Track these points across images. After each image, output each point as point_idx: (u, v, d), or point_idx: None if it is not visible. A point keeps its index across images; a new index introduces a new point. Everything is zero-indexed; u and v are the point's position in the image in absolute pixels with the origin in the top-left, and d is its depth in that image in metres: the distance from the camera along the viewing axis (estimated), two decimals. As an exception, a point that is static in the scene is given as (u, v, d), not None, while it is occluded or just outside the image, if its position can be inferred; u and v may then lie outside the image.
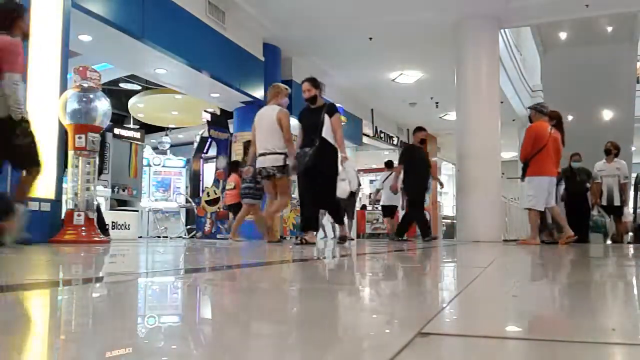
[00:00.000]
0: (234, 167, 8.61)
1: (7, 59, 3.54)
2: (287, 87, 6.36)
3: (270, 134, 5.71)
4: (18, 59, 3.64)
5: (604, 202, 8.26)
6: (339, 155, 5.41)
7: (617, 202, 8.29)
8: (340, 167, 5.39)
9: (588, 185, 8.35)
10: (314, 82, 5.65)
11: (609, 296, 1.36)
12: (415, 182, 7.92)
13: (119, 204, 10.36)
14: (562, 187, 8.62)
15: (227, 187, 8.89)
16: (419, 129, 8.27)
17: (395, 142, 16.41)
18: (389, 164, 11.96)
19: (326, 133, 5.35)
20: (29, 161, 3.77)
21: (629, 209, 8.59)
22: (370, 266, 2.53)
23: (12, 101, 3.55)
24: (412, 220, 8.26)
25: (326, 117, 5.41)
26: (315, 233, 5.65)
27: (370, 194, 17.91)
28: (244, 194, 7.53)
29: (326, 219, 11.45)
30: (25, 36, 3.92)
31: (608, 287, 1.63)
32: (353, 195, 10.95)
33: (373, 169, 17.19)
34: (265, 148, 5.69)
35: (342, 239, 5.75)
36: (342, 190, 5.38)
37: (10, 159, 3.82)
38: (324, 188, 5.33)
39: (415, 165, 7.99)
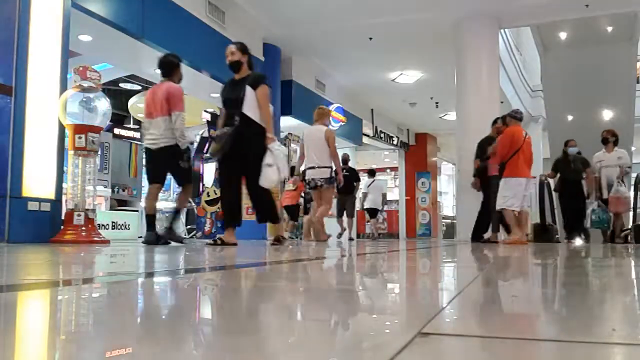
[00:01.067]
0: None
1: (176, 102, 4.81)
2: (330, 109, 6.60)
3: (319, 151, 6.50)
4: (182, 101, 4.88)
5: (605, 195, 7.76)
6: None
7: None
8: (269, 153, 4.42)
9: (584, 175, 7.94)
10: (241, 46, 4.73)
11: (610, 297, 1.36)
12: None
13: (119, 204, 10.37)
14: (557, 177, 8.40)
15: (287, 188, 9.33)
16: (504, 118, 7.51)
17: (395, 142, 16.42)
18: (371, 172, 12.57)
19: (248, 108, 4.41)
20: (187, 180, 5.12)
21: (620, 186, 7.69)
22: (371, 266, 2.53)
23: (180, 134, 4.81)
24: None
25: (248, 89, 4.46)
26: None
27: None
28: (311, 198, 8.30)
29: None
30: (180, 80, 5.07)
31: (609, 288, 1.64)
32: (352, 191, 10.87)
33: (373, 169, 17.18)
34: (314, 162, 6.50)
35: (277, 240, 4.81)
36: (269, 178, 4.35)
37: (175, 176, 5.11)
38: (253, 175, 4.37)
39: None
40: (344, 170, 10.63)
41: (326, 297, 1.25)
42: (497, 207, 6.48)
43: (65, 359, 0.59)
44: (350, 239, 11.11)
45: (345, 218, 10.83)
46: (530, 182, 6.64)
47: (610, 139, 7.96)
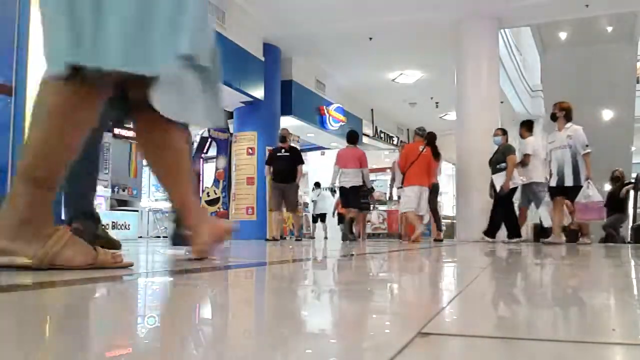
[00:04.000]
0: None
1: (364, 162, 8.28)
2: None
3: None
4: (367, 161, 8.31)
5: (553, 183, 6.55)
6: None
7: (568, 182, 6.37)
8: None
9: (504, 164, 6.99)
10: None
11: (609, 297, 1.36)
12: None
13: (119, 204, 10.37)
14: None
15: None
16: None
17: (395, 142, 16.42)
18: (317, 184, 14.50)
19: None
20: (358, 206, 8.44)
21: (589, 189, 6.29)
22: (371, 266, 2.53)
23: (368, 180, 8.24)
24: None
25: None
26: None
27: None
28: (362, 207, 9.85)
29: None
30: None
31: (608, 288, 1.64)
32: (294, 179, 8.11)
33: (373, 169, 17.18)
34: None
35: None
36: None
37: (355, 203, 8.33)
38: None
39: None
40: (283, 150, 8.04)
41: (325, 294, 1.25)
42: (401, 211, 7.86)
43: (64, 358, 0.58)
44: (284, 238, 9.42)
45: (284, 213, 8.69)
46: (423, 189, 7.36)
47: (558, 113, 6.52)
